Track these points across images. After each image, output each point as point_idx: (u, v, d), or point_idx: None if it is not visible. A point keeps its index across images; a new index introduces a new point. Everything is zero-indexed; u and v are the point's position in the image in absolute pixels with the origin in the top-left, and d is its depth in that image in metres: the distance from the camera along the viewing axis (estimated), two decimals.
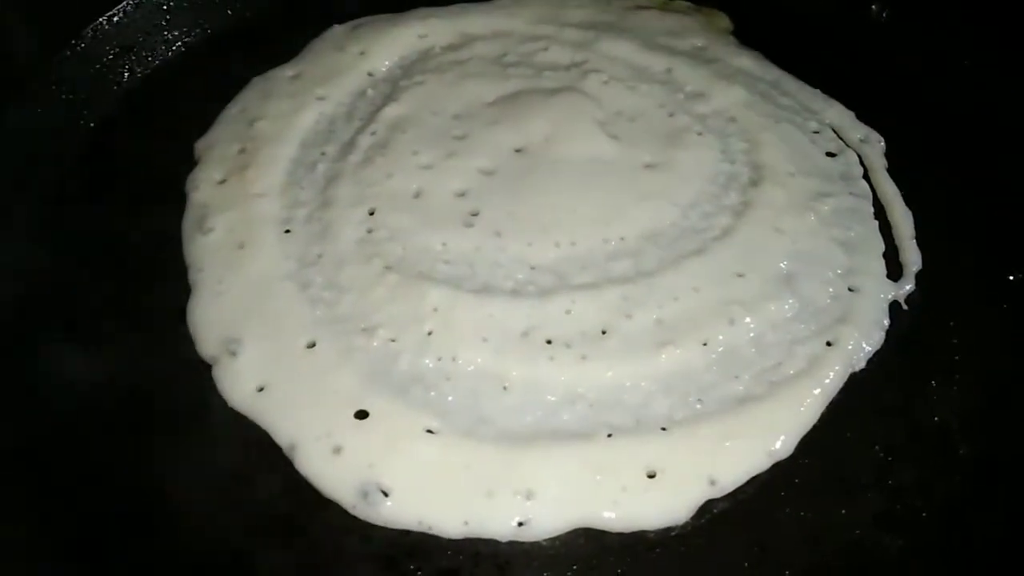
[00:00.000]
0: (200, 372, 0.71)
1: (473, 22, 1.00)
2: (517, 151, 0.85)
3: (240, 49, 0.99)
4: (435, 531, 0.62)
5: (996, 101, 0.91)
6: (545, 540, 0.62)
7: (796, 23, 1.02)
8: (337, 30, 0.99)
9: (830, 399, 0.69)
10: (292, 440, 0.66)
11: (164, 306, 0.76)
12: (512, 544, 0.62)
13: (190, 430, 0.69)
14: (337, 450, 0.65)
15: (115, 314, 0.76)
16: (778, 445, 0.66)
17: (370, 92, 0.93)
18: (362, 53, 0.95)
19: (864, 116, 0.91)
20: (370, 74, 0.94)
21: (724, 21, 1.03)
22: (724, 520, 0.63)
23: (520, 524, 0.62)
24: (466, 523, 0.62)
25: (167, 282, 0.77)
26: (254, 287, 0.75)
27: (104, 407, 0.70)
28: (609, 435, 0.66)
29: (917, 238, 0.80)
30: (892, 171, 0.87)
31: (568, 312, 0.73)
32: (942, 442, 0.68)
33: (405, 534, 0.62)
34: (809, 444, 0.67)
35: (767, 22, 1.02)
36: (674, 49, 0.97)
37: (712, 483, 0.64)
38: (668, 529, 0.63)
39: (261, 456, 0.66)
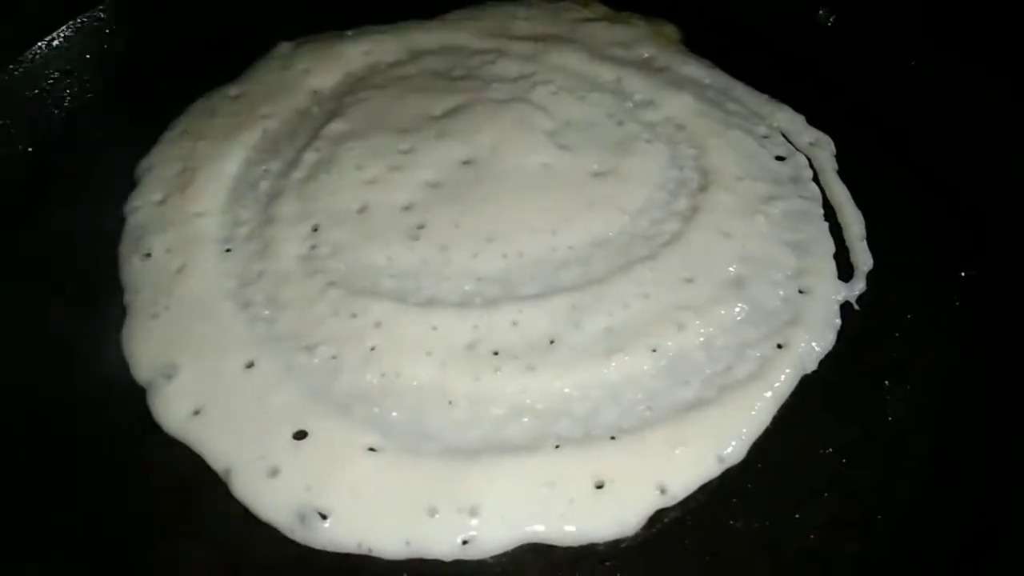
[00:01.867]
0: (135, 398, 0.69)
1: (420, 38, 0.99)
2: (464, 163, 0.83)
3: (184, 70, 0.98)
4: (376, 553, 0.60)
5: (943, 100, 0.91)
6: (491, 558, 0.60)
7: (744, 31, 1.03)
8: (283, 48, 0.98)
9: (781, 402, 0.68)
10: (227, 464, 0.63)
11: (99, 331, 0.73)
12: (457, 563, 0.60)
13: (124, 457, 0.66)
14: (273, 472, 0.62)
15: (49, 340, 0.73)
16: (729, 451, 0.64)
17: (315, 109, 0.91)
18: (307, 71, 0.94)
19: (813, 120, 0.91)
20: (315, 92, 0.93)
21: (672, 31, 1.03)
22: (675, 530, 0.62)
23: (465, 542, 0.60)
24: (408, 543, 0.60)
25: (102, 306, 0.75)
26: (191, 308, 0.72)
27: (37, 434, 0.68)
28: (557, 446, 0.64)
29: (868, 239, 0.80)
30: (842, 173, 0.86)
31: (515, 323, 0.71)
32: (897, 442, 0.67)
33: (345, 557, 0.60)
34: (761, 449, 0.65)
35: (715, 31, 1.02)
36: (623, 59, 0.97)
37: (662, 492, 0.62)
38: (618, 541, 0.61)
39: (197, 482, 0.64)
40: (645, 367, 0.69)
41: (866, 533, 0.62)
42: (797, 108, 0.93)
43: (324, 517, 0.60)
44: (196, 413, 0.66)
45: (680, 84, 0.93)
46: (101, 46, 0.99)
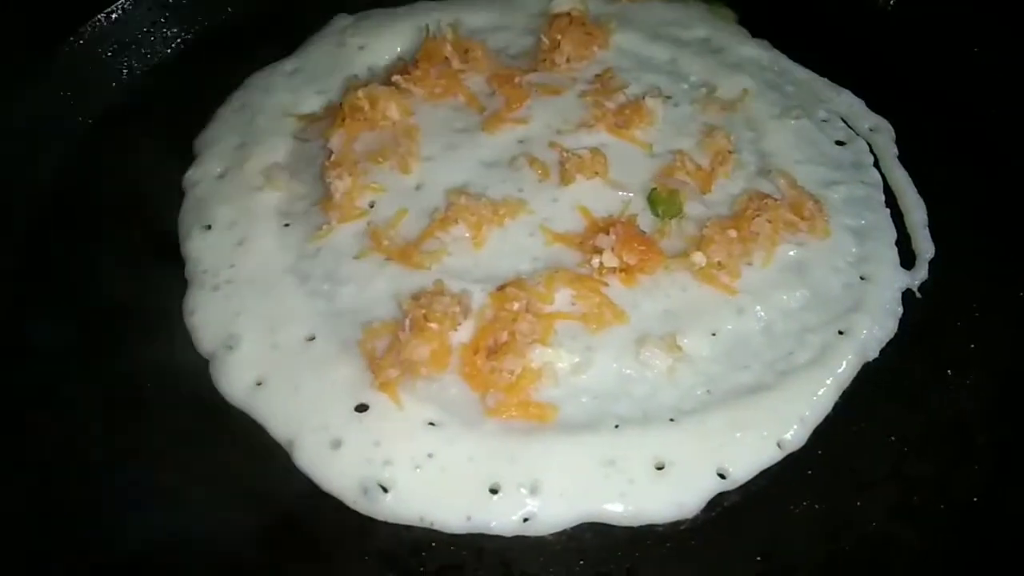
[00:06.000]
0: (198, 368, 0.70)
1: (475, 16, 0.99)
2: (520, 142, 0.83)
3: (241, 45, 0.97)
4: (437, 526, 0.60)
5: (1005, 85, 0.89)
6: (551, 535, 0.61)
7: (802, 12, 1.01)
8: (341, 21, 0.97)
9: (843, 389, 0.67)
10: (290, 435, 0.64)
11: (161, 302, 0.74)
12: (517, 539, 0.60)
13: (187, 427, 0.67)
14: (336, 444, 0.63)
15: (111, 311, 0.74)
16: (790, 436, 0.64)
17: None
18: (362, 48, 0.94)
19: (873, 104, 0.90)
20: (370, 67, 0.93)
21: (729, 12, 1.01)
22: (735, 513, 0.62)
23: (525, 519, 0.60)
24: (469, 518, 0.60)
25: (164, 278, 0.76)
26: (253, 281, 0.73)
27: (100, 404, 0.69)
28: (616, 426, 0.64)
29: (930, 226, 0.79)
30: (903, 159, 0.85)
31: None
32: (959, 433, 0.66)
33: (407, 529, 0.61)
34: (822, 435, 0.65)
35: (773, 12, 1.00)
36: (679, 39, 0.96)
37: (722, 475, 0.62)
38: (678, 523, 0.61)
39: (259, 452, 0.65)
40: (704, 351, 0.68)
41: (927, 524, 0.61)
42: (856, 92, 0.91)
43: (385, 490, 0.61)
44: (259, 384, 0.67)
45: (737, 66, 0.92)
46: (159, 19, 0.99)
